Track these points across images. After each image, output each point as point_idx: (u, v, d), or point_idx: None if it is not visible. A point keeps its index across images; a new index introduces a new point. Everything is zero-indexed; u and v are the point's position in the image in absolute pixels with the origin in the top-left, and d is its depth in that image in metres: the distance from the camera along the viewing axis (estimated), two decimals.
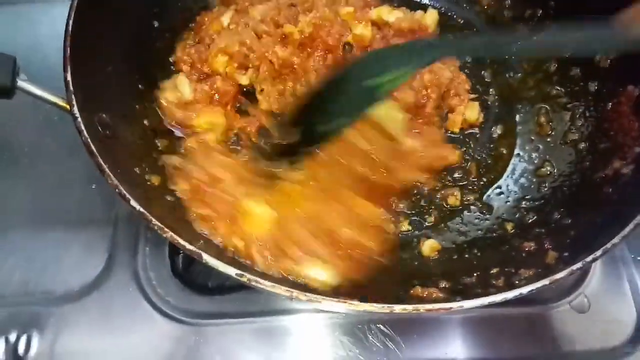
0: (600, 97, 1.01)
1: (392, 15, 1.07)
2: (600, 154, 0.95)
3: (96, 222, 1.05)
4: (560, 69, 1.07)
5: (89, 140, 0.74)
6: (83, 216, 1.07)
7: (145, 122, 0.97)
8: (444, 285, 0.81)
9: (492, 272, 0.84)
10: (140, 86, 0.99)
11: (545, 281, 0.67)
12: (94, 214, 1.06)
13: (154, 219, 0.68)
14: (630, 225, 0.72)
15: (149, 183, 0.85)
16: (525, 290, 0.67)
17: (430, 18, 1.10)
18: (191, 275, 0.99)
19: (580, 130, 1.01)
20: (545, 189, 0.98)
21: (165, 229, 0.67)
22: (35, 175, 1.10)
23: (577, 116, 1.03)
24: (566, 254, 0.79)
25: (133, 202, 0.69)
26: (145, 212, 0.69)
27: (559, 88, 1.07)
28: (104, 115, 0.84)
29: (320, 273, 0.77)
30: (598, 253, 0.70)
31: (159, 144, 0.97)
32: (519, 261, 0.84)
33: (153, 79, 1.02)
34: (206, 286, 0.98)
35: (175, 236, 0.67)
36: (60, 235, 1.04)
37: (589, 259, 0.69)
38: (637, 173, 0.85)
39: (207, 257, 0.66)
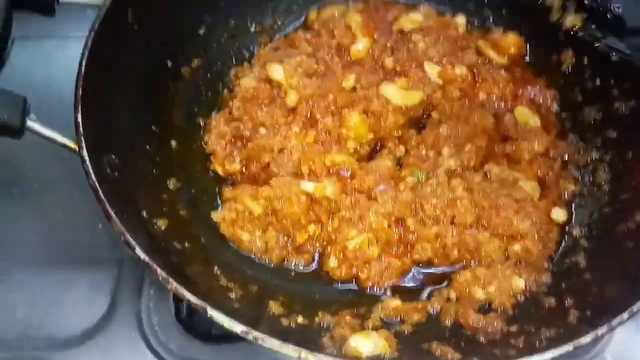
0: (620, 145, 0.98)
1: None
2: (621, 206, 0.92)
3: (101, 262, 1.03)
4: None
5: (96, 184, 0.73)
6: (88, 256, 1.05)
7: (158, 159, 0.96)
8: (458, 342, 0.77)
9: (511, 329, 0.80)
10: (153, 128, 0.98)
11: (569, 346, 0.63)
12: (100, 254, 1.04)
13: (159, 269, 0.66)
14: None
15: (155, 227, 0.83)
16: (546, 356, 0.63)
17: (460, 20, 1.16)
18: (195, 322, 0.96)
19: (601, 180, 0.98)
20: (565, 240, 0.95)
21: (171, 280, 0.65)
22: (42, 213, 1.08)
23: (598, 166, 1.00)
24: (589, 312, 0.75)
25: (138, 250, 0.67)
26: (151, 261, 0.66)
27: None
28: (113, 156, 0.83)
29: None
30: (625, 316, 0.66)
31: (170, 185, 0.95)
32: (539, 319, 0.80)
33: (167, 121, 1.01)
34: (210, 334, 0.94)
35: (181, 288, 0.65)
36: (65, 275, 1.02)
37: (615, 322, 0.65)
38: None
39: (212, 312, 0.63)
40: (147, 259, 0.66)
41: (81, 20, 0.88)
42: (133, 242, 0.68)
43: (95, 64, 0.84)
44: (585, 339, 0.64)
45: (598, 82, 1.05)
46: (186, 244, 0.85)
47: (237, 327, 0.63)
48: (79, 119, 0.77)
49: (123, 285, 1.00)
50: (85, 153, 0.75)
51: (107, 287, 1.01)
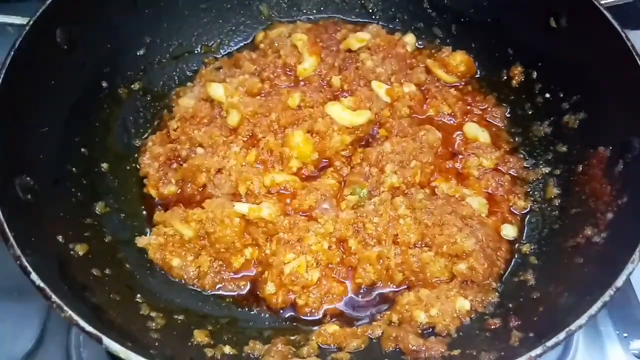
0: (570, 159, 0.95)
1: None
2: (571, 221, 0.88)
3: (30, 293, 0.95)
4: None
5: None
6: (18, 286, 0.98)
7: (85, 182, 0.91)
8: None
9: (452, 353, 0.75)
10: (82, 150, 0.94)
11: None
12: (29, 284, 0.98)
13: (53, 295, 0.60)
14: (598, 304, 0.63)
15: (72, 252, 0.78)
16: None
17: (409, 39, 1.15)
18: None
19: (551, 195, 0.94)
20: (515, 257, 0.90)
21: (65, 308, 0.59)
22: None
23: (548, 181, 0.96)
24: (531, 334, 0.70)
25: (34, 276, 0.62)
26: (46, 287, 0.61)
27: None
28: (27, 178, 0.78)
29: None
30: (561, 336, 0.61)
31: (97, 209, 0.90)
32: (482, 342, 0.74)
33: (99, 143, 0.97)
34: None
35: (75, 316, 0.59)
36: None
37: (551, 343, 0.60)
38: (609, 243, 0.77)
39: (107, 342, 0.57)
40: (41, 284, 0.61)
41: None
42: (29, 268, 0.62)
43: (12, 83, 0.80)
44: None
45: (548, 95, 1.02)
46: (107, 271, 0.80)
47: (135, 359, 0.57)
48: None
49: (53, 317, 0.94)
50: None
51: (36, 320, 0.94)
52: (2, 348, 0.92)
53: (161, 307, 0.80)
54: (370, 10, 1.21)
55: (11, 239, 0.65)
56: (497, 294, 0.84)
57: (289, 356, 0.75)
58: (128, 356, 0.57)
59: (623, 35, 0.87)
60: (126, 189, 0.96)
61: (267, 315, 0.86)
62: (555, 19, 0.98)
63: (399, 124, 1.03)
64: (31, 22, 0.85)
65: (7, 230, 0.66)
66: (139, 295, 0.80)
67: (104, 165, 0.96)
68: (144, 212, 0.95)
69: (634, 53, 0.85)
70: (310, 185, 0.95)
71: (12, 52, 0.82)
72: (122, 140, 1.01)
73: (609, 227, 0.79)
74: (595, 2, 0.91)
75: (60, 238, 0.78)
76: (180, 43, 1.13)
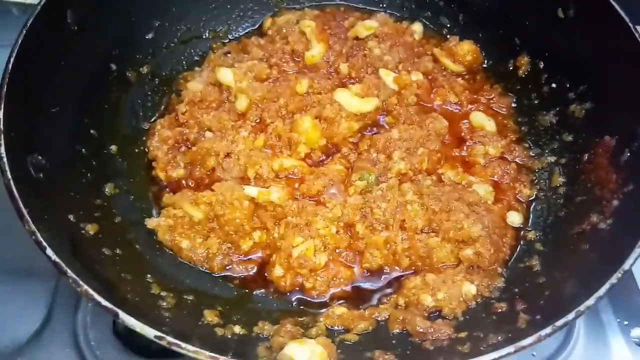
0: (576, 148, 0.96)
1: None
2: (577, 208, 0.89)
3: (39, 274, 0.97)
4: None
5: (11, 182, 0.68)
6: (25, 268, 0.99)
7: (94, 164, 0.91)
8: (403, 351, 0.73)
9: (459, 336, 0.76)
10: (92, 131, 0.94)
11: (510, 348, 0.59)
12: (37, 265, 0.97)
13: (69, 270, 0.61)
14: (606, 286, 0.64)
15: (83, 231, 0.78)
16: (487, 359, 0.58)
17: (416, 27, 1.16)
18: (133, 337, 0.89)
19: (557, 183, 0.95)
20: (520, 244, 0.91)
21: (80, 282, 0.60)
22: None
23: (554, 169, 0.97)
24: (538, 316, 0.71)
25: (49, 251, 0.63)
26: (61, 262, 0.61)
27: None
28: (40, 157, 0.78)
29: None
30: (570, 316, 0.62)
31: (106, 190, 0.91)
32: (489, 325, 0.75)
33: (107, 125, 0.97)
34: (149, 349, 0.88)
35: (91, 291, 0.60)
36: (1, 287, 0.96)
37: (560, 323, 0.61)
38: (615, 229, 0.78)
39: (124, 316, 0.58)
40: (57, 259, 0.62)
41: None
42: (44, 243, 0.63)
43: (24, 63, 0.80)
44: (527, 341, 0.60)
45: (554, 85, 1.03)
46: (117, 251, 0.80)
47: (150, 332, 0.58)
48: (0, 116, 0.73)
49: (60, 298, 0.95)
50: (2, 150, 0.70)
51: (43, 300, 0.95)
52: (10, 328, 0.93)
53: (171, 287, 0.81)
54: None
55: (26, 215, 0.66)
56: (503, 279, 0.86)
57: (298, 336, 0.76)
58: (144, 330, 0.58)
59: (631, 26, 0.87)
60: (135, 171, 0.97)
61: (275, 297, 0.86)
62: (563, 10, 0.99)
63: (406, 111, 1.04)
64: (43, 2, 0.85)
65: (21, 206, 0.66)
66: (149, 275, 0.81)
67: (113, 148, 0.96)
68: (152, 194, 0.95)
69: None
70: (318, 171, 0.96)
71: (24, 31, 0.83)
72: (131, 123, 1.01)
73: (614, 214, 0.81)
74: None
75: (71, 217, 0.78)
76: (189, 28, 1.13)
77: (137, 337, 0.89)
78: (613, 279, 0.64)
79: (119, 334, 0.91)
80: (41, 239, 0.63)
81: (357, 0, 1.22)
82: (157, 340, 0.58)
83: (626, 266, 0.66)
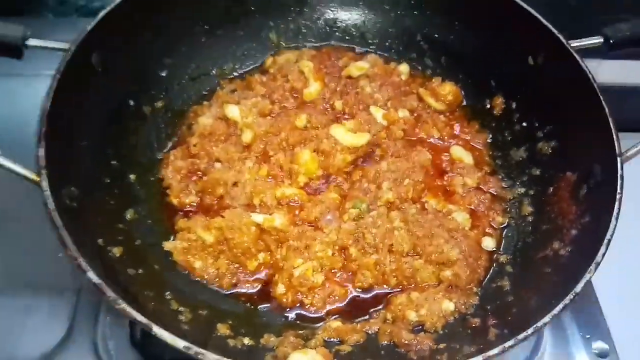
0: (543, 182, 1.08)
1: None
2: (542, 235, 1.01)
3: (61, 290, 1.08)
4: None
5: (54, 213, 0.78)
6: (49, 284, 1.09)
7: (116, 192, 1.02)
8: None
9: (439, 347, 0.88)
10: (113, 162, 1.05)
11: (479, 358, 0.71)
12: (60, 282, 1.08)
13: (109, 291, 0.71)
14: (560, 306, 0.76)
15: (110, 254, 0.89)
16: None
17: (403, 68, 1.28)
18: (149, 347, 1.00)
19: (525, 212, 1.08)
20: (493, 266, 1.03)
21: (119, 301, 0.71)
22: (5, 242, 1.13)
23: (523, 200, 1.10)
24: (506, 331, 0.83)
25: (90, 274, 0.73)
26: (102, 283, 0.72)
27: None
28: (72, 188, 0.89)
29: None
30: (530, 331, 0.74)
31: (127, 216, 1.01)
32: (464, 338, 0.87)
33: (127, 156, 1.08)
34: (163, 358, 0.98)
35: (129, 308, 0.70)
36: (26, 301, 1.06)
37: (521, 336, 0.73)
38: (573, 255, 0.91)
39: (157, 329, 0.69)
40: (97, 281, 0.72)
41: (46, 60, 0.95)
42: (85, 267, 0.73)
43: (59, 103, 0.90)
44: (493, 351, 0.72)
45: (525, 124, 1.16)
46: (139, 271, 0.91)
47: (180, 343, 0.69)
48: (41, 154, 0.83)
49: (81, 312, 1.04)
50: (45, 184, 0.80)
51: (65, 314, 1.05)
52: (34, 339, 1.03)
53: (187, 302, 0.91)
54: (369, 41, 1.34)
55: (68, 241, 0.76)
56: (477, 297, 0.98)
57: (300, 347, 0.87)
58: (175, 342, 0.69)
59: (591, 77, 1.01)
60: (151, 198, 1.07)
61: (277, 312, 0.97)
62: (533, 58, 1.13)
63: (394, 145, 1.16)
64: (73, 48, 0.96)
65: (63, 234, 0.76)
66: (167, 292, 0.91)
67: (132, 176, 1.07)
68: (167, 219, 1.06)
69: (598, 92, 0.99)
70: (315, 199, 1.08)
71: (57, 76, 0.93)
72: (147, 154, 1.12)
73: (572, 242, 0.93)
74: (567, 45, 1.05)
75: (100, 241, 0.89)
76: (198, 66, 1.24)
77: (151, 347, 1.01)
78: (566, 300, 0.77)
79: (135, 344, 1.01)
80: (82, 263, 0.74)
81: (349, 41, 1.35)
82: (185, 351, 0.69)
83: (577, 289, 0.78)
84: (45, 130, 0.87)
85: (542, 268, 0.94)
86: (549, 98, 1.11)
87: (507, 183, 1.14)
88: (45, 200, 0.80)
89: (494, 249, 1.06)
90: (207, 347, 0.72)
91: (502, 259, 1.04)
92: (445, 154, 1.18)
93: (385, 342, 0.91)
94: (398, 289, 1.00)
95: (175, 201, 1.07)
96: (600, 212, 0.88)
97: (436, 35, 1.29)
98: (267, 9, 1.29)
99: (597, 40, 1.06)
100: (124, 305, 0.71)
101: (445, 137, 1.21)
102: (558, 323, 1.09)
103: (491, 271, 1.03)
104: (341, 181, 1.13)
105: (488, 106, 1.23)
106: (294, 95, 1.23)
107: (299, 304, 0.97)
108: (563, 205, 1.01)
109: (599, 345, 1.09)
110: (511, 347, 0.73)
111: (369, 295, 1.00)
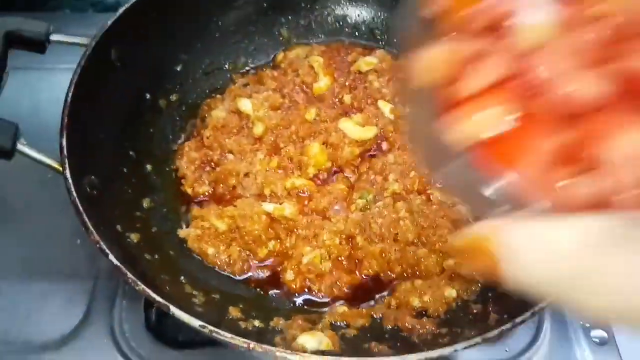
0: None
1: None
2: None
3: (78, 276, 1.12)
4: None
5: (77, 200, 0.83)
6: (66, 270, 1.13)
7: (134, 181, 1.06)
8: (394, 342, 0.88)
9: (441, 331, 0.91)
10: (131, 153, 1.09)
11: (478, 339, 0.75)
12: (77, 268, 1.13)
13: (128, 273, 0.76)
14: None
15: (128, 240, 0.94)
16: (459, 346, 0.74)
17: None
18: (163, 329, 1.04)
19: None
20: None
21: (138, 282, 0.75)
22: (26, 230, 1.18)
23: None
24: (506, 315, 0.86)
25: (111, 257, 0.78)
26: (121, 266, 0.76)
27: None
28: (93, 177, 0.93)
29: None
30: (527, 315, 0.77)
31: (144, 204, 1.06)
32: (465, 322, 0.91)
33: (143, 147, 1.12)
34: (177, 340, 1.03)
35: (148, 290, 0.75)
36: (44, 286, 1.11)
37: (519, 320, 0.77)
38: None
39: (174, 309, 0.73)
40: (118, 264, 0.77)
41: (67, 54, 1.00)
42: (107, 250, 0.78)
43: (79, 96, 0.95)
44: (492, 333, 0.75)
45: None
46: (156, 256, 0.96)
47: (195, 322, 0.73)
48: (64, 144, 0.88)
49: (97, 297, 1.09)
50: (68, 173, 0.85)
51: (82, 299, 1.09)
52: (55, 321, 1.07)
53: (201, 287, 0.96)
54: (378, 37, 1.37)
55: (90, 227, 0.81)
56: (479, 284, 1.01)
57: (308, 329, 0.91)
58: (190, 321, 0.73)
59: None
60: (167, 187, 1.12)
61: (286, 297, 1.01)
62: None
63: (401, 138, 1.20)
64: (93, 44, 1.01)
65: (86, 219, 0.81)
66: (182, 277, 0.96)
67: (149, 167, 1.11)
68: (181, 207, 1.11)
69: None
70: (324, 190, 1.12)
71: (78, 70, 0.98)
72: (162, 145, 1.16)
73: None
74: None
75: (119, 227, 0.94)
76: (211, 60, 1.29)
77: (166, 331, 1.06)
78: None
79: (150, 327, 1.06)
80: (104, 247, 0.78)
81: (358, 37, 1.39)
82: (201, 329, 0.73)
83: None
84: (67, 122, 0.91)
85: None
86: None
87: None
88: (68, 187, 0.84)
89: None
90: (220, 327, 0.77)
91: None
92: None
93: (390, 326, 0.95)
94: (402, 277, 1.04)
95: (189, 191, 1.12)
96: None
97: None
98: (279, 6, 1.33)
99: None
100: (143, 287, 0.75)
101: None
102: (558, 312, 1.12)
103: None
104: (349, 173, 1.16)
105: None
106: (304, 89, 1.27)
107: (307, 290, 1.02)
108: None
109: (598, 333, 1.11)
110: (509, 330, 0.76)
111: (374, 282, 1.04)
